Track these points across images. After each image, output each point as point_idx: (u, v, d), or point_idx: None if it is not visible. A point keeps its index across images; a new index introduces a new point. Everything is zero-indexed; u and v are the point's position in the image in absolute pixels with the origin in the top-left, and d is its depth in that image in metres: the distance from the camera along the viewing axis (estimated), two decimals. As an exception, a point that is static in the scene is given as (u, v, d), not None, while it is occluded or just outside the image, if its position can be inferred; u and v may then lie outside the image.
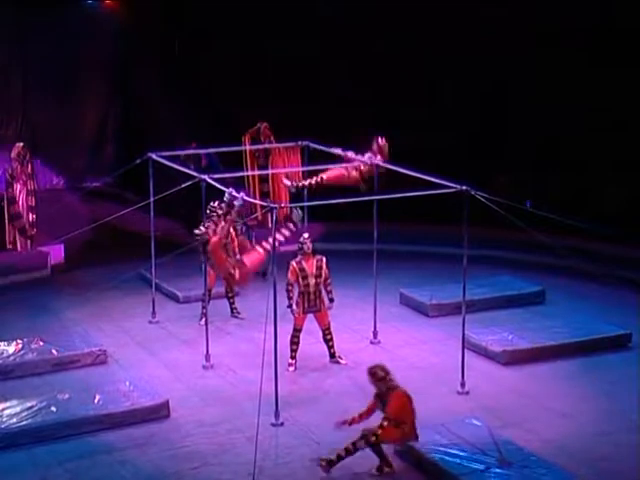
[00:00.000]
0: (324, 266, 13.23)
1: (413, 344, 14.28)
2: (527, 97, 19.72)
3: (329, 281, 13.32)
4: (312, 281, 13.12)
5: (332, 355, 13.52)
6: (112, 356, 13.67)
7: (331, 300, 13.34)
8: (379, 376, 10.71)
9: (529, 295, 15.98)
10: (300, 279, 13.10)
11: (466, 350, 12.84)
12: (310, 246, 13.16)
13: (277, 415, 11.70)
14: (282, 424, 11.70)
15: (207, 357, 13.25)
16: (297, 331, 13.25)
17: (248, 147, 18.80)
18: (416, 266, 17.77)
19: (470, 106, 20.23)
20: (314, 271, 13.14)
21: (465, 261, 12.53)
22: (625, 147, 18.79)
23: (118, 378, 12.74)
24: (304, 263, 13.14)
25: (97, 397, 11.91)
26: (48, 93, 21.41)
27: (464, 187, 12.30)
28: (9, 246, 17.74)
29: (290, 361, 13.22)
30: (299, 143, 15.59)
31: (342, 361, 13.50)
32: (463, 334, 12.80)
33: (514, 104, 19.89)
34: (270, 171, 18.94)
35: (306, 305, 13.18)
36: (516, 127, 20.05)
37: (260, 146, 18.72)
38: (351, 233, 17.62)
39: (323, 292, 13.28)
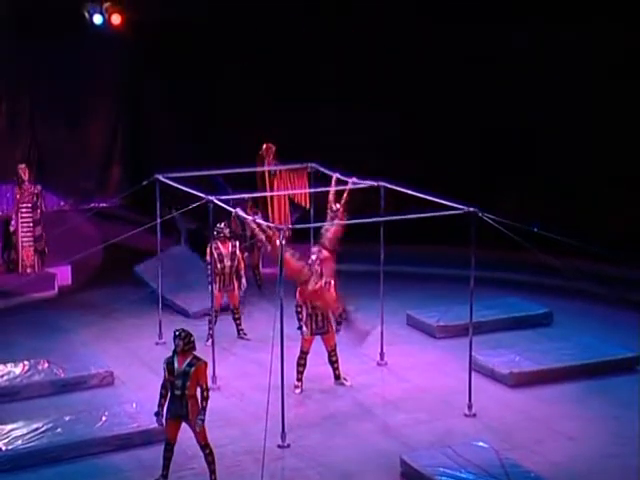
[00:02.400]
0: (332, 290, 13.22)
1: (420, 366, 14.25)
2: (535, 119, 19.75)
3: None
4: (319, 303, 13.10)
5: (337, 377, 13.50)
6: (119, 377, 13.66)
7: (339, 323, 13.32)
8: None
9: (536, 317, 15.95)
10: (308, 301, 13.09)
11: (473, 372, 12.82)
12: (317, 268, 13.15)
13: (284, 437, 11.69)
14: (289, 446, 11.69)
15: (213, 379, 13.22)
16: (304, 353, 13.23)
17: (259, 169, 18.82)
18: (423, 288, 17.74)
19: (475, 128, 20.26)
20: None
21: (472, 283, 12.53)
22: (633, 166, 18.76)
23: (125, 399, 12.74)
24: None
25: (103, 418, 11.91)
26: (56, 115, 21.47)
27: (472, 209, 12.31)
28: (25, 269, 17.77)
29: (296, 383, 13.19)
30: (306, 165, 15.62)
31: (347, 383, 13.48)
32: (470, 356, 12.79)
33: (522, 126, 19.90)
34: (282, 192, 18.91)
35: (314, 327, 13.17)
36: (524, 149, 20.05)
37: (268, 167, 18.74)
38: (358, 254, 17.59)
39: (330, 315, 13.27)
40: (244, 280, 15.08)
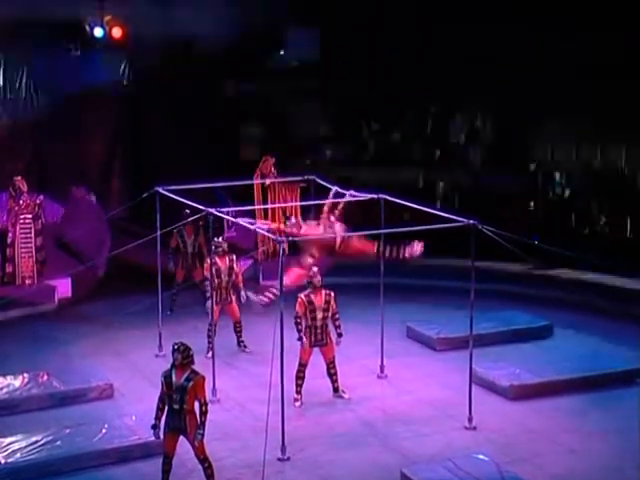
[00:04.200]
0: (332, 301, 13.23)
1: (420, 378, 14.22)
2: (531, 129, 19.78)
3: (337, 316, 13.31)
4: (320, 315, 13.11)
5: (335, 389, 13.48)
6: (118, 390, 13.64)
7: (340, 335, 13.31)
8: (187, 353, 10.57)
9: (537, 329, 15.93)
10: (308, 312, 13.08)
11: (473, 385, 12.80)
12: (319, 280, 13.15)
13: (283, 450, 11.66)
14: (288, 459, 11.66)
15: (213, 391, 13.20)
16: (302, 366, 13.21)
17: (256, 181, 18.89)
18: (423, 300, 17.73)
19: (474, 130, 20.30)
20: (322, 305, 13.13)
21: (472, 295, 12.52)
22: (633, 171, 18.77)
23: (124, 412, 12.71)
24: (313, 297, 13.13)
25: (103, 431, 11.87)
26: (57, 127, 21.48)
27: (471, 221, 12.32)
28: (24, 280, 17.78)
29: (295, 396, 13.17)
30: (305, 178, 15.67)
31: (345, 395, 13.45)
32: (470, 368, 12.77)
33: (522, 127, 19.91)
34: (281, 205, 18.96)
35: (313, 339, 13.16)
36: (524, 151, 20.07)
37: (257, 180, 18.84)
38: (358, 267, 17.60)
39: (330, 326, 13.26)
40: (243, 292, 14.99)
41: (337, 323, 13.32)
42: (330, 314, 13.21)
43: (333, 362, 13.39)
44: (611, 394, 13.47)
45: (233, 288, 15.00)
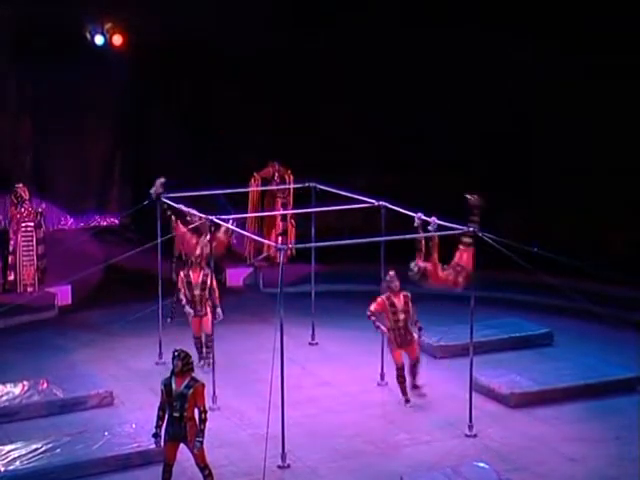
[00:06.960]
0: (409, 301, 13.40)
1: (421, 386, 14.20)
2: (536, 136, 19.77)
3: (415, 317, 13.47)
4: (402, 316, 13.27)
5: (414, 387, 13.55)
6: (118, 398, 13.63)
7: (420, 329, 13.50)
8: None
9: (537, 337, 15.92)
10: (390, 314, 13.24)
11: (474, 392, 12.79)
12: (398, 284, 13.33)
13: (283, 457, 11.65)
14: (289, 466, 11.65)
15: (213, 398, 13.19)
16: (400, 369, 13.32)
17: (257, 188, 18.97)
18: (423, 307, 17.61)
19: (476, 146, 20.28)
20: (403, 306, 13.32)
21: (473, 302, 12.52)
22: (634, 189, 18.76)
23: (124, 420, 12.70)
24: (394, 299, 13.31)
25: (103, 439, 11.86)
26: (57, 134, 21.52)
27: (471, 228, 12.32)
28: (25, 288, 17.79)
29: (404, 397, 13.34)
30: (306, 185, 15.69)
31: (423, 392, 13.54)
32: (471, 376, 12.76)
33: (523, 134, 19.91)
34: (282, 212, 19.01)
35: (399, 340, 13.26)
36: (524, 167, 20.06)
37: (264, 188, 18.90)
38: (358, 274, 17.62)
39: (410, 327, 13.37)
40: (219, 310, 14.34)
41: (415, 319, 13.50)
42: (411, 314, 13.36)
43: (419, 361, 13.50)
44: (611, 402, 13.45)
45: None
